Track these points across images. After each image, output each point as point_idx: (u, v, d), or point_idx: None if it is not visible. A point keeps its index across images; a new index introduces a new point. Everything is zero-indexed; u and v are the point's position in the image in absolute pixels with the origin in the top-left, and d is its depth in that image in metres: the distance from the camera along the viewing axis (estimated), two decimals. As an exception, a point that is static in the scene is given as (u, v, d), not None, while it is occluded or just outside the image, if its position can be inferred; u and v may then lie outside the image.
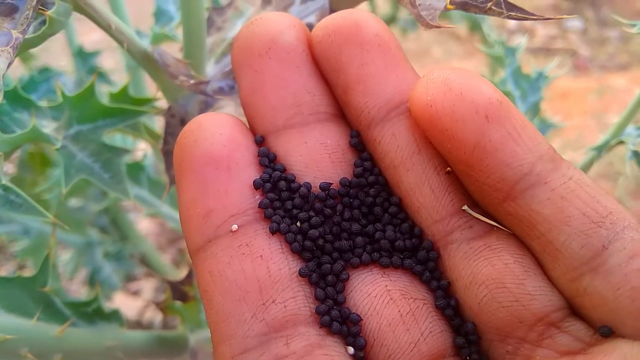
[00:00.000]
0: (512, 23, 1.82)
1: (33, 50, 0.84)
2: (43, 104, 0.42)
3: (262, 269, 0.20)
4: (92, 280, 0.79)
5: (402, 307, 0.20)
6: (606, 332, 0.19)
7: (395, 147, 0.22)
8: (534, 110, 0.46)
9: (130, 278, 1.04)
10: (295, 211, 0.22)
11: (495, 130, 0.19)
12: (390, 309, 0.20)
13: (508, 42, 0.58)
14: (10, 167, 0.72)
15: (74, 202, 0.84)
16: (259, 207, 0.22)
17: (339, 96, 0.24)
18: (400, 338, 0.20)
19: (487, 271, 0.20)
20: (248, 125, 0.24)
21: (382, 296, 0.21)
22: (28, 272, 0.38)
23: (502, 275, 0.20)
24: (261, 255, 0.20)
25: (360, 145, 0.24)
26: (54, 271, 0.37)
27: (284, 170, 0.23)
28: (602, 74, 1.59)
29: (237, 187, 0.22)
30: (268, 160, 0.23)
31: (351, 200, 0.23)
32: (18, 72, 0.87)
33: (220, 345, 0.20)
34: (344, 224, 0.22)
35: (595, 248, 0.19)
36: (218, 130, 0.22)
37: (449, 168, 0.22)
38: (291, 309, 0.20)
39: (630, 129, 0.42)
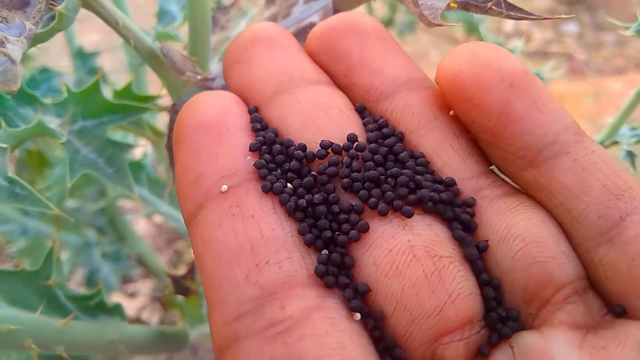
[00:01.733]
0: (508, 27, 1.83)
1: (32, 51, 0.85)
2: (47, 100, 0.43)
3: (253, 229, 0.19)
4: (90, 281, 0.79)
5: (426, 266, 0.19)
6: (620, 312, 0.19)
7: (410, 114, 0.22)
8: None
9: (127, 279, 1.04)
10: (291, 174, 0.21)
11: (520, 99, 0.20)
12: (414, 268, 0.19)
13: (505, 46, 0.59)
14: (8, 167, 0.72)
15: (71, 202, 0.84)
16: (253, 166, 0.21)
17: (340, 81, 0.24)
18: (424, 301, 0.18)
19: (525, 224, 0.20)
20: None
21: (404, 253, 0.19)
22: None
23: (540, 229, 0.20)
24: (252, 215, 0.19)
25: (366, 110, 0.23)
26: (58, 265, 0.37)
27: (276, 134, 0.22)
28: (598, 77, 1.60)
29: (227, 151, 0.21)
30: (260, 125, 0.22)
31: (361, 154, 0.21)
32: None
33: (214, 312, 0.19)
34: (353, 174, 0.21)
35: (612, 219, 0.19)
36: (211, 101, 0.22)
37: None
38: (287, 269, 0.19)
39: (624, 129, 0.42)
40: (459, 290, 0.19)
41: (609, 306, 0.19)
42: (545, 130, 0.20)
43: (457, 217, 0.20)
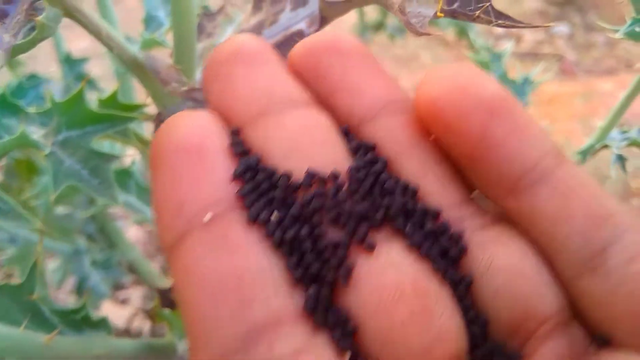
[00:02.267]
0: (499, 29, 1.84)
1: (21, 57, 0.84)
2: (32, 110, 0.42)
3: (239, 263, 0.18)
4: (80, 289, 0.78)
5: (414, 304, 0.18)
6: (603, 342, 0.19)
7: (393, 139, 0.22)
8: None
9: (118, 287, 1.03)
10: (276, 204, 0.20)
11: (498, 125, 0.19)
12: (401, 306, 0.18)
13: (495, 48, 0.59)
14: (-4, 175, 0.71)
15: (61, 209, 0.83)
16: (238, 194, 0.20)
17: (322, 102, 0.23)
18: (412, 341, 0.17)
19: (507, 257, 0.19)
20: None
21: (391, 291, 0.18)
22: (15, 281, 0.38)
23: (522, 261, 0.19)
24: (238, 248, 0.18)
25: (350, 134, 0.22)
26: (41, 279, 0.36)
27: (259, 160, 0.21)
28: (589, 78, 1.61)
29: (209, 176, 0.20)
30: (242, 149, 0.21)
31: (351, 183, 0.20)
32: (5, 78, 0.87)
33: (197, 351, 0.18)
34: (340, 207, 0.20)
35: (595, 249, 0.19)
36: (191, 122, 0.21)
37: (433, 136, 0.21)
38: (274, 306, 0.18)
39: (614, 133, 0.42)
40: (446, 329, 0.18)
41: (593, 335, 0.19)
42: (524, 157, 0.19)
43: (446, 252, 0.20)
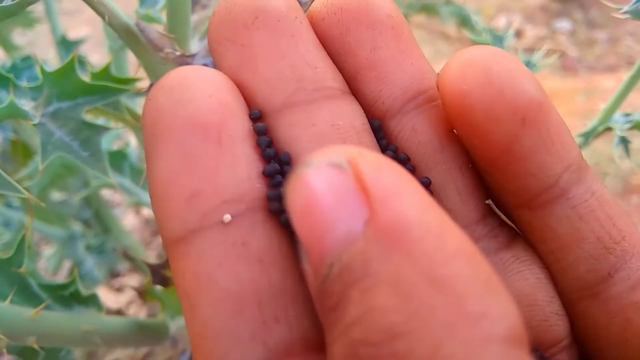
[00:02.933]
0: (501, 23, 1.83)
1: (19, 43, 0.83)
2: (23, 84, 0.41)
3: (262, 277, 0.16)
4: (73, 273, 0.78)
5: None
6: None
7: (416, 143, 0.20)
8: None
9: (114, 274, 1.02)
10: None
11: (529, 136, 0.18)
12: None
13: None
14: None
15: (57, 196, 0.83)
16: (267, 197, 0.17)
17: (346, 81, 0.20)
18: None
19: (520, 286, 0.19)
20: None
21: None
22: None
23: (535, 290, 0.19)
24: (261, 259, 0.16)
25: (381, 132, 0.20)
26: (30, 252, 0.36)
27: (289, 160, 0.19)
28: (590, 74, 1.60)
29: (230, 166, 0.17)
30: (267, 142, 0.19)
31: None
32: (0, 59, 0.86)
33: None
34: None
35: (600, 275, 0.18)
36: (207, 90, 0.18)
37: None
38: (297, 330, 0.16)
39: (617, 115, 0.41)
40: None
41: (585, 358, 0.19)
42: (548, 173, 0.18)
43: None
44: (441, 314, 0.12)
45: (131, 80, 0.40)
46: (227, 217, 0.17)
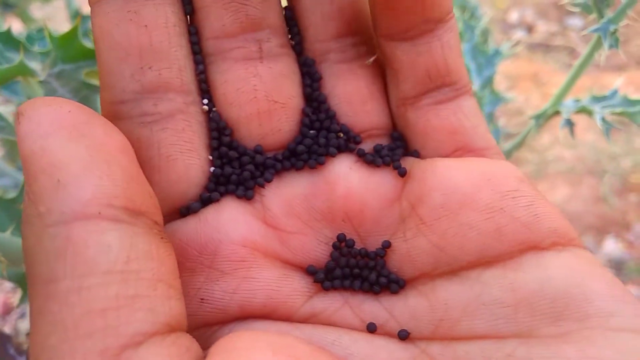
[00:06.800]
0: (513, 18, 1.84)
1: (37, 16, 0.88)
2: (34, 48, 0.46)
3: (144, 37, 0.22)
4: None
5: (262, 106, 0.24)
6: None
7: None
8: (487, 82, 0.50)
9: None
10: None
11: None
12: (251, 105, 0.24)
13: (508, 37, 0.61)
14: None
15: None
16: None
17: None
18: (253, 131, 0.24)
19: (343, 89, 0.25)
20: None
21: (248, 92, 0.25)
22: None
23: (351, 94, 0.25)
24: (146, 25, 0.22)
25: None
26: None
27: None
28: (598, 73, 1.61)
29: None
30: None
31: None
32: (16, 29, 0.91)
33: (103, 91, 0.22)
34: None
35: (420, 89, 0.24)
36: None
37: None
38: (164, 77, 0.22)
39: (568, 100, 0.45)
40: (280, 126, 0.24)
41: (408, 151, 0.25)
42: (414, 20, 0.23)
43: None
44: None
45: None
46: None
